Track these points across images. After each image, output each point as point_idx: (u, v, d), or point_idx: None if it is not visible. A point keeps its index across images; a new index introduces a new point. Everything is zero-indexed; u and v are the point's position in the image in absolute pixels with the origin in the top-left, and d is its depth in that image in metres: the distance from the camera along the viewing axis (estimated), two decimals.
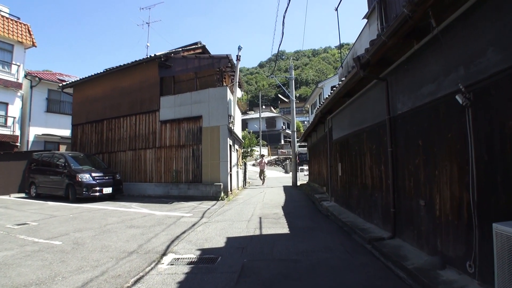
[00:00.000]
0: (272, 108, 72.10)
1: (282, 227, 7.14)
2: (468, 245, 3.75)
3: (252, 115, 60.56)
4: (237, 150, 16.55)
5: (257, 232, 6.69)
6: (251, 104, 77.21)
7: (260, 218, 8.40)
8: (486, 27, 3.45)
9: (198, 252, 5.27)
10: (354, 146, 8.15)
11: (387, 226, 6.04)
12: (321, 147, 14.27)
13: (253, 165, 21.72)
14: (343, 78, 7.09)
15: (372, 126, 6.76)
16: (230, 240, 6.03)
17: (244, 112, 71.25)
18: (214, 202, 12.12)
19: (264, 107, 66.78)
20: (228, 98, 13.36)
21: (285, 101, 53.85)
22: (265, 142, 49.38)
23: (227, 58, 13.22)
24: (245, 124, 51.59)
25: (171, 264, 4.70)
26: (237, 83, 14.37)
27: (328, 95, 8.80)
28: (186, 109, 14.23)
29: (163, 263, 4.76)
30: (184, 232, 6.83)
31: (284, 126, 58.08)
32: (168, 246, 5.69)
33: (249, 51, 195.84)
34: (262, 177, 21.58)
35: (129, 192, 15.10)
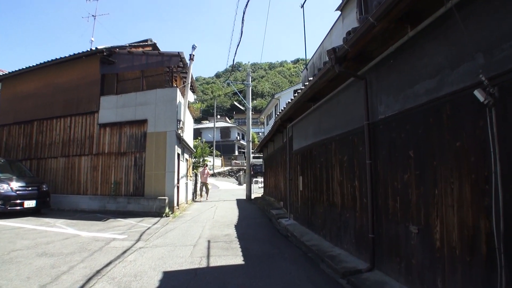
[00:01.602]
0: (227, 118, 70.84)
1: (235, 255, 5.84)
2: None
3: (207, 124, 58.90)
4: (187, 159, 15.05)
5: (204, 263, 5.33)
6: (206, 113, 75.49)
7: (209, 241, 7.03)
8: None
9: None
10: (319, 157, 7.15)
11: (362, 253, 5.01)
12: (279, 158, 13.25)
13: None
14: (311, 78, 6.08)
15: (343, 134, 5.77)
16: (167, 277, 4.62)
17: (198, 121, 69.33)
18: (157, 219, 10.54)
19: (219, 116, 65.34)
20: (177, 101, 11.92)
21: (241, 112, 52.85)
22: (219, 153, 47.88)
23: (178, 56, 11.84)
24: (198, 133, 49.85)
25: None
26: (189, 85, 13.00)
27: (291, 100, 7.79)
28: (130, 112, 12.56)
29: None
30: (109, 264, 5.31)
31: (238, 137, 57.02)
32: None
33: (206, 61, 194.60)
34: (204, 191, 18.45)
35: (59, 205, 12.95)
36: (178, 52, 11.77)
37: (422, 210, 3.62)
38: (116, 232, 8.30)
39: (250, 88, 18.32)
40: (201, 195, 18.09)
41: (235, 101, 20.66)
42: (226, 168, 45.82)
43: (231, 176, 41.65)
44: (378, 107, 4.57)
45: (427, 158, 3.57)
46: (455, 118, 3.18)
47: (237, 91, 18.84)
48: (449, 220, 3.23)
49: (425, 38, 3.61)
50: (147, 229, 8.77)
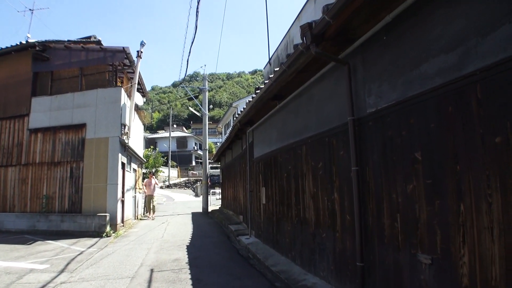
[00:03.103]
0: (184, 128, 68.66)
1: None
2: None
3: (162, 134, 56.47)
4: (135, 170, 13.40)
5: None
6: (162, 123, 73.03)
7: (152, 271, 5.62)
8: None
9: None
10: (286, 165, 6.09)
11: (345, 284, 3.95)
12: (238, 168, 12.10)
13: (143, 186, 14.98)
14: (277, 69, 5.02)
15: (318, 135, 4.74)
16: None
17: (153, 130, 66.49)
18: (95, 240, 8.90)
19: (175, 126, 63.09)
20: (122, 103, 10.40)
21: (198, 121, 51.08)
22: (175, 163, 45.79)
23: (123, 52, 10.37)
24: (154, 143, 47.49)
25: None
26: (138, 86, 11.53)
27: (252, 97, 6.69)
28: (66, 115, 10.83)
29: None
30: None
31: (196, 147, 55.21)
32: None
33: (163, 70, 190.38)
34: (150, 207, 14.36)
35: None
36: (123, 47, 10.31)
37: (439, 233, 2.63)
38: (38, 260, 6.67)
39: (207, 92, 17.07)
40: (147, 212, 14.55)
41: (191, 107, 19.19)
42: (182, 179, 43.85)
43: (188, 187, 39.75)
44: (366, 98, 3.58)
45: (445, 162, 2.59)
46: (491, 103, 2.23)
47: (192, 96, 17.46)
48: (485, 248, 2.25)
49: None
50: (79, 254, 7.20)
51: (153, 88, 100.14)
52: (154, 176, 15.23)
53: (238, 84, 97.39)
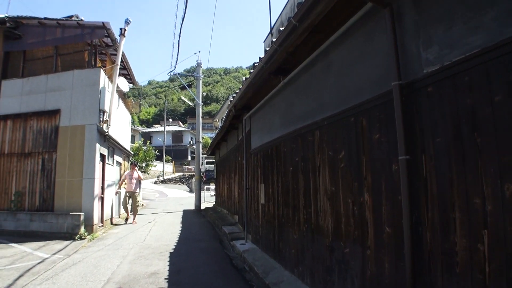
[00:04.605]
0: (180, 122, 67.33)
1: None
2: None
3: (157, 128, 55.22)
4: (119, 163, 12.12)
5: None
6: (159, 117, 71.83)
7: None
8: None
9: None
10: (292, 156, 4.88)
11: None
12: (233, 161, 10.87)
13: (122, 181, 11.99)
14: (282, 28, 3.79)
15: (338, 115, 3.53)
16: None
17: (149, 125, 65.10)
18: (66, 243, 7.68)
19: (171, 120, 61.85)
20: (101, 86, 9.12)
21: (194, 116, 49.87)
22: (170, 158, 44.52)
23: (103, 27, 9.06)
24: (149, 137, 46.35)
25: None
26: (121, 69, 10.26)
27: (250, 73, 5.47)
28: (39, 100, 9.56)
29: None
30: None
31: (192, 142, 53.97)
32: None
33: (160, 65, 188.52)
34: (131, 207, 11.36)
35: None
36: (103, 22, 9.00)
37: None
38: None
39: (200, 80, 15.80)
40: (127, 213, 11.38)
41: (185, 97, 17.84)
42: (177, 174, 42.71)
43: (183, 183, 38.61)
44: (422, 52, 2.37)
45: None
46: None
47: (185, 84, 16.25)
48: None
49: None
50: (40, 262, 5.98)
51: (150, 83, 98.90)
52: (137, 168, 12.21)
53: (236, 79, 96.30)
